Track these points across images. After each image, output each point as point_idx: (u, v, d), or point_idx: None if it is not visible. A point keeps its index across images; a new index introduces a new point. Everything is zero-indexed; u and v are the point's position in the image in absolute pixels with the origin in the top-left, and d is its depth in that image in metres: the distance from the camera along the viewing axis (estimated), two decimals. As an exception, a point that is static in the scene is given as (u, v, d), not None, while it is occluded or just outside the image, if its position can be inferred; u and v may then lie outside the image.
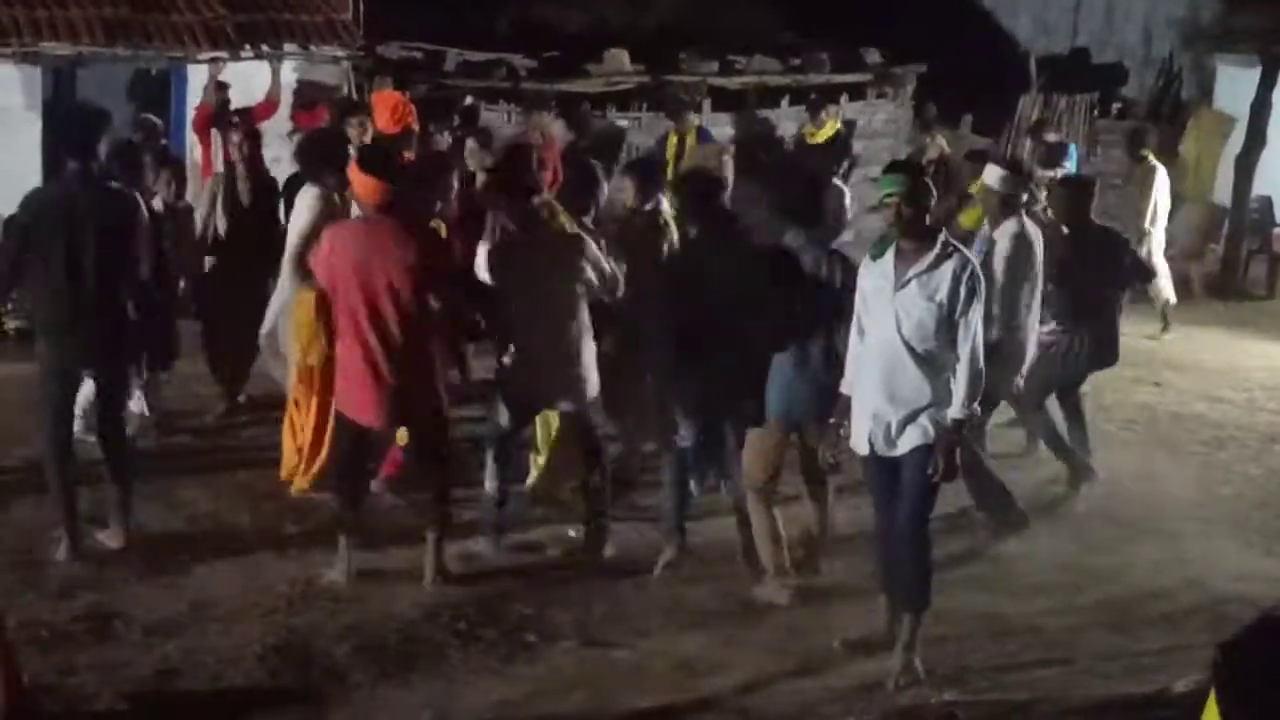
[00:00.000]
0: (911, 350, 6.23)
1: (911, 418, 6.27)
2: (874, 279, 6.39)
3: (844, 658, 6.60)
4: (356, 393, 7.05)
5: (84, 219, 7.07)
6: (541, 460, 8.27)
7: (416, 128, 11.37)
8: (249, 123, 10.92)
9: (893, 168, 6.70)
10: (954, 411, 6.23)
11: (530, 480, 8.31)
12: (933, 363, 6.23)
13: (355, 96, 13.20)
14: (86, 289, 7.12)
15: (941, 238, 6.31)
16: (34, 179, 12.52)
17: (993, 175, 8.42)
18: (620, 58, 15.80)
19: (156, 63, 13.42)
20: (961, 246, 6.45)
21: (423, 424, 7.29)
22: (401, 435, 7.71)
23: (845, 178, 15.27)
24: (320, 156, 8.44)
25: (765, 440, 7.12)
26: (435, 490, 7.34)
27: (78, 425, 7.74)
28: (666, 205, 8.58)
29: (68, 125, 7.50)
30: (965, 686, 6.38)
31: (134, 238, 7.33)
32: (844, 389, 6.58)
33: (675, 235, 8.39)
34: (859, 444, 6.47)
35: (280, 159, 11.61)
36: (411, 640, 6.65)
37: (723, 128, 15.40)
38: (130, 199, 7.43)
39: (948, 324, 6.19)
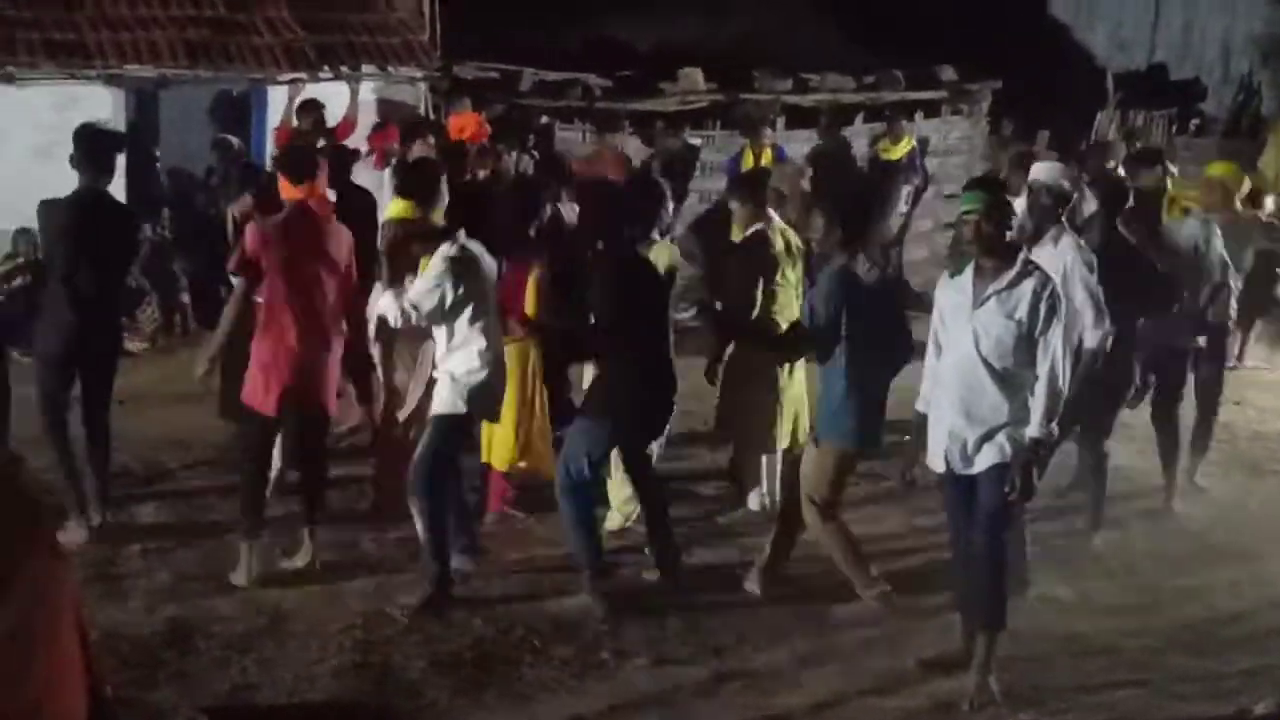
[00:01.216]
0: (990, 368, 6.20)
1: (989, 436, 6.24)
2: (952, 296, 6.36)
3: (919, 677, 6.56)
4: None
5: (93, 231, 7.59)
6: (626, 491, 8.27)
7: (490, 147, 11.47)
8: (338, 142, 11.06)
9: (973, 185, 6.66)
10: (1032, 430, 6.20)
11: (615, 523, 8.28)
12: (1011, 381, 6.20)
13: (432, 116, 13.31)
14: (88, 292, 7.61)
15: (1022, 255, 6.29)
16: (118, 198, 12.77)
17: (1043, 170, 8.01)
18: (694, 76, 15.83)
19: (237, 84, 13.62)
20: (1041, 265, 6.41)
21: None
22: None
23: (918, 195, 15.35)
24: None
25: (829, 459, 7.12)
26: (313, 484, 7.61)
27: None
28: (779, 220, 8.55)
29: (84, 144, 7.75)
30: (1042, 707, 6.34)
31: (134, 251, 8.00)
32: (920, 406, 6.56)
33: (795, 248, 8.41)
34: (935, 462, 6.44)
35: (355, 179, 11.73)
36: (486, 657, 6.68)
37: (798, 145, 15.39)
38: (133, 216, 8.20)
39: (1027, 342, 6.17)
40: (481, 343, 7.09)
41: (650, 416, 7.46)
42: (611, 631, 6.95)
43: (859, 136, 16.05)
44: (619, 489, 8.19)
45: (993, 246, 6.20)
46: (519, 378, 7.96)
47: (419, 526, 7.17)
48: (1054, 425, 6.28)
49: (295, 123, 12.20)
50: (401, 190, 7.38)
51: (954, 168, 16.79)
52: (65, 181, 7.77)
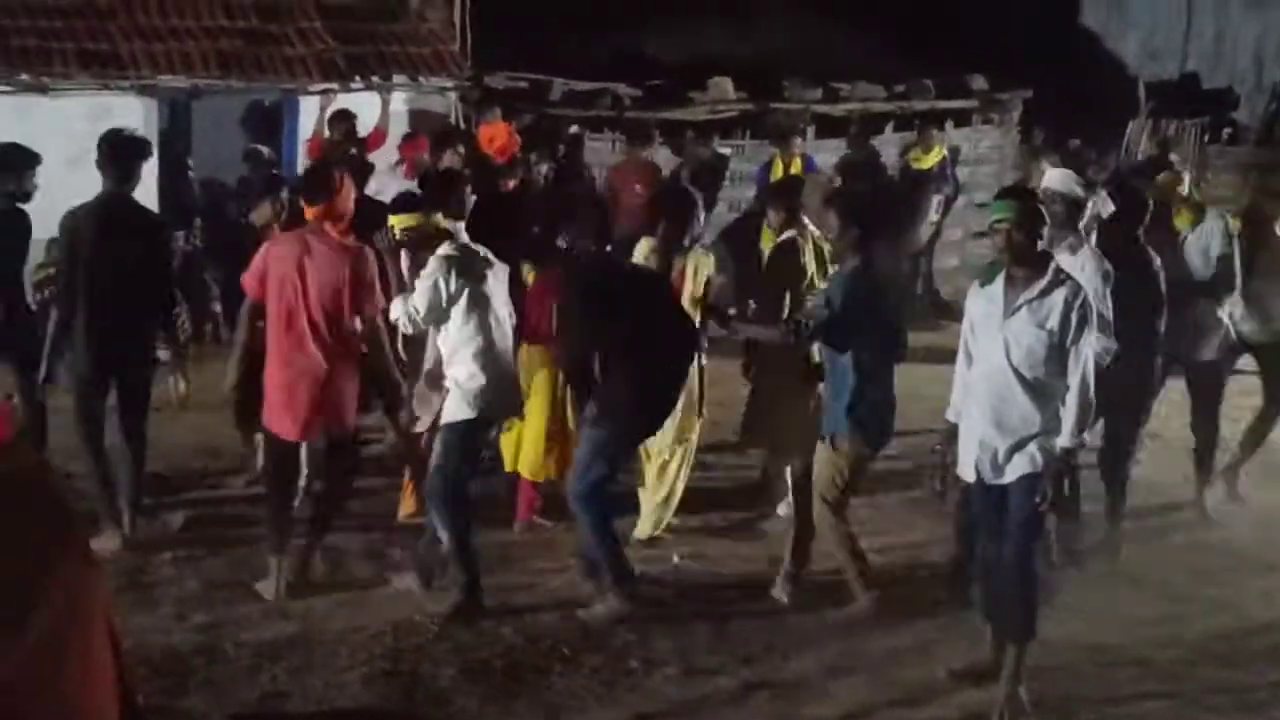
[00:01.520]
0: (1021, 378, 6.19)
1: (1019, 446, 6.22)
2: (983, 305, 6.35)
3: (949, 687, 6.55)
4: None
5: (115, 238, 7.62)
6: (657, 499, 8.30)
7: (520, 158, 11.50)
8: (362, 155, 11.10)
9: (1004, 193, 6.65)
10: (1063, 440, 6.18)
11: (644, 532, 8.30)
12: (1042, 391, 6.19)
13: (462, 126, 13.36)
14: (115, 302, 7.64)
15: (1053, 264, 6.28)
16: (150, 207, 12.85)
17: (1055, 178, 7.97)
18: (724, 85, 15.85)
19: (269, 94, 13.69)
20: (1071, 275, 6.40)
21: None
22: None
23: (949, 204, 15.32)
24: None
25: (841, 460, 7.13)
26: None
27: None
28: (813, 228, 8.53)
29: (109, 150, 7.81)
30: (1072, 718, 6.32)
31: (159, 258, 7.94)
32: (950, 416, 6.55)
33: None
34: (965, 471, 6.43)
35: (383, 191, 11.77)
36: (515, 666, 6.69)
37: (827, 155, 15.38)
38: (158, 221, 8.24)
39: (1058, 352, 6.15)
40: (480, 344, 7.10)
41: (656, 420, 7.48)
42: (640, 639, 6.95)
43: (889, 145, 16.04)
44: (650, 496, 8.21)
45: (1023, 255, 6.19)
46: (547, 385, 7.98)
47: (442, 536, 7.19)
48: (1085, 435, 6.27)
49: (327, 133, 12.25)
50: (417, 201, 7.42)
51: (985, 176, 16.77)
52: (98, 191, 7.82)
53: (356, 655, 6.71)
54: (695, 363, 7.81)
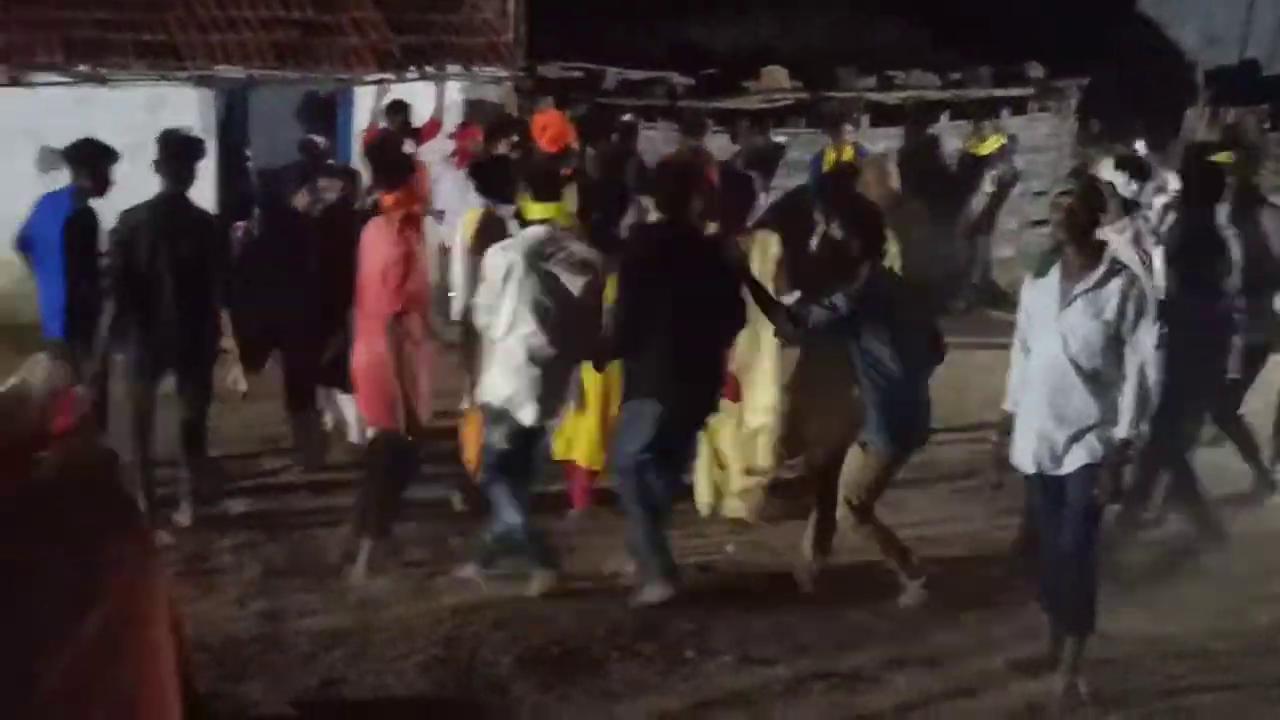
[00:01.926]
0: (1079, 369, 6.15)
1: (1078, 436, 6.19)
2: (1038, 297, 6.31)
3: (1006, 677, 6.51)
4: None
5: (172, 238, 7.73)
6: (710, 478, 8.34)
7: (576, 147, 11.49)
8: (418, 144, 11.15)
9: (1071, 174, 6.63)
10: (1122, 431, 6.14)
11: (707, 499, 8.37)
12: (1100, 381, 6.15)
13: (516, 116, 13.37)
14: (173, 300, 7.76)
15: (1108, 253, 6.23)
16: (208, 197, 12.95)
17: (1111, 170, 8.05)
18: (778, 74, 15.81)
19: (325, 85, 13.76)
20: (1128, 264, 6.35)
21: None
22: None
23: (1006, 191, 15.23)
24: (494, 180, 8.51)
25: (873, 463, 7.09)
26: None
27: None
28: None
29: (166, 150, 7.92)
30: (1131, 709, 6.28)
31: (218, 255, 8.02)
32: (1008, 406, 6.51)
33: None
34: (1024, 463, 6.39)
35: (438, 181, 11.81)
36: (572, 654, 6.71)
37: (880, 143, 15.31)
38: (212, 221, 8.35)
39: (1115, 342, 6.11)
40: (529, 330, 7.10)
41: (697, 402, 7.38)
42: (697, 628, 6.95)
43: (945, 134, 15.96)
44: (704, 475, 8.26)
45: (1081, 235, 6.14)
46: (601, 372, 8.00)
47: (502, 517, 7.22)
48: (1144, 426, 6.22)
49: (382, 124, 12.31)
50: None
51: (1042, 165, 16.67)
52: (155, 183, 7.88)
53: (414, 642, 6.74)
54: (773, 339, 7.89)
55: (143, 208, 7.84)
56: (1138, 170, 8.58)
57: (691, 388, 7.23)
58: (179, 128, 8.29)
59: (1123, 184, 8.19)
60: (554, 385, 7.24)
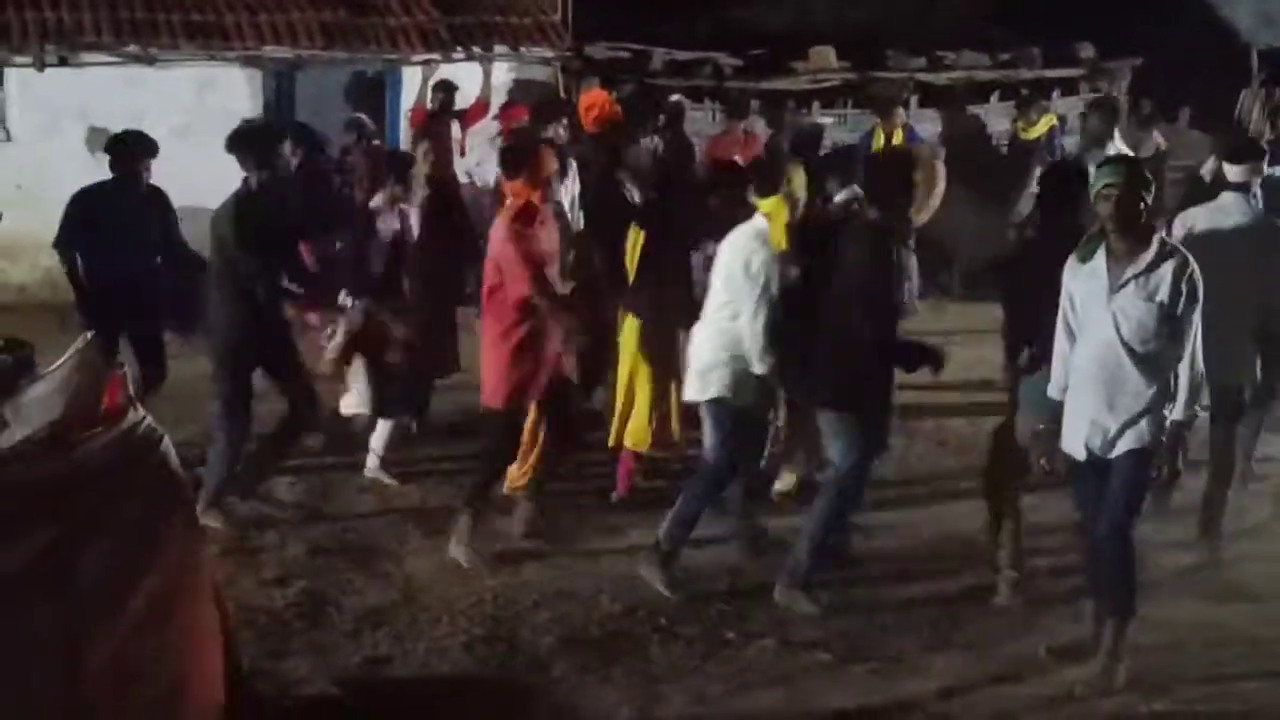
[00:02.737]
0: (1132, 352, 6.10)
1: (1132, 421, 6.14)
2: (1085, 281, 6.24)
3: (1048, 664, 6.48)
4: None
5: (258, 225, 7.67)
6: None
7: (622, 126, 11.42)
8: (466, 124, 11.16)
9: (1111, 160, 6.56)
10: (1177, 414, 6.11)
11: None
12: (1153, 363, 6.10)
13: (564, 96, 13.35)
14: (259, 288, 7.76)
15: (1158, 236, 6.18)
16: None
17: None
18: (826, 55, 15.70)
19: (372, 65, 13.79)
20: (1179, 246, 6.27)
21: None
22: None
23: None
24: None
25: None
26: None
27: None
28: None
29: (243, 141, 7.92)
30: (1176, 696, 6.23)
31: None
32: (1054, 393, 6.45)
33: None
34: (1075, 448, 6.33)
35: (484, 162, 11.82)
36: (613, 635, 6.73)
37: (928, 124, 15.22)
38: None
39: (1169, 324, 6.06)
40: None
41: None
42: (737, 611, 6.96)
43: (995, 115, 15.83)
44: None
45: (1130, 224, 6.08)
46: (650, 355, 8.00)
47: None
48: (1197, 408, 6.20)
49: (429, 104, 12.34)
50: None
51: (1092, 146, 16.49)
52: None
53: (457, 622, 6.78)
54: None
55: (229, 201, 7.80)
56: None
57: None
58: (252, 119, 8.35)
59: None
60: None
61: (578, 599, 7.07)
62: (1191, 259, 6.14)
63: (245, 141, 7.92)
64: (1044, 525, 7.59)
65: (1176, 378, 6.10)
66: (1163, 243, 6.16)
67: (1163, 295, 6.04)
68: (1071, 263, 6.31)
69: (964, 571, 7.38)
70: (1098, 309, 6.17)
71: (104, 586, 4.50)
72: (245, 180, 7.78)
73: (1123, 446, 6.18)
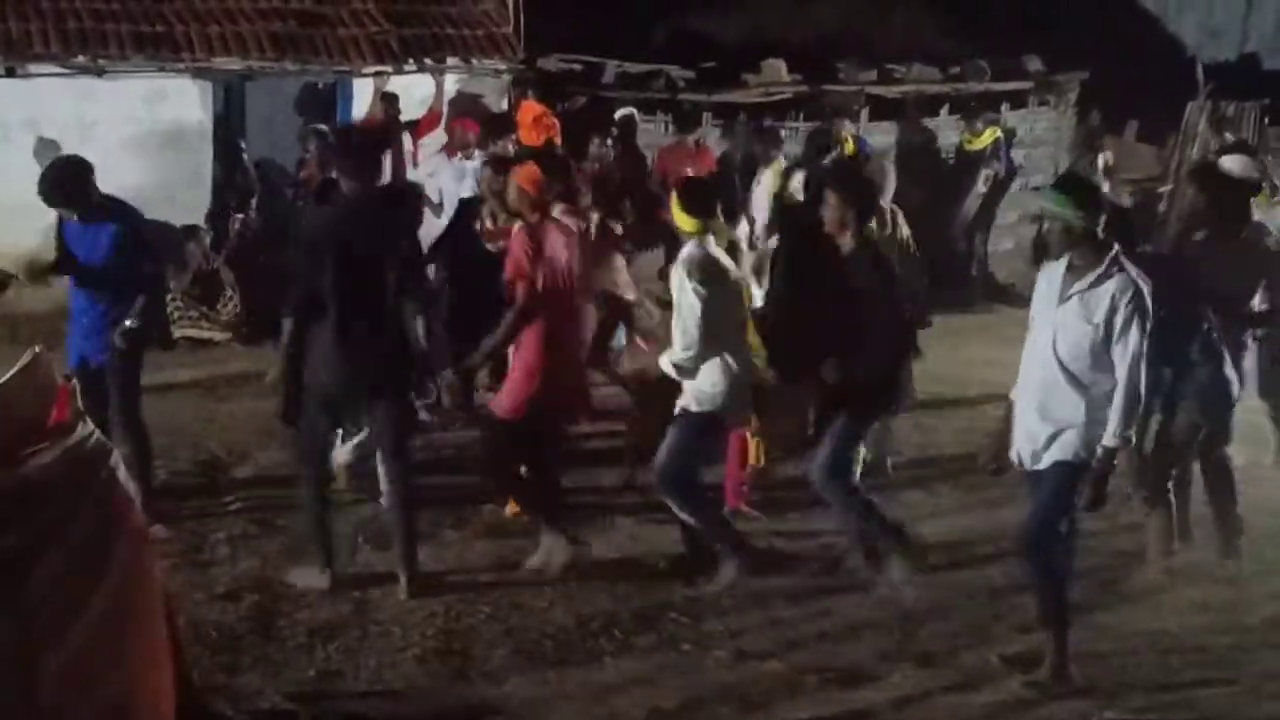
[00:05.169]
0: (1064, 369, 6.09)
1: (1058, 433, 6.13)
2: (1045, 284, 6.25)
3: (1001, 672, 6.50)
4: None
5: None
6: None
7: (559, 140, 11.39)
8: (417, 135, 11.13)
9: (1062, 184, 6.57)
10: (1106, 439, 6.04)
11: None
12: (1084, 384, 6.07)
13: (510, 109, 13.29)
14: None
15: (1110, 255, 6.08)
16: (205, 190, 12.95)
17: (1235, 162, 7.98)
18: (778, 67, 15.75)
19: (323, 76, 13.74)
20: (1130, 266, 6.11)
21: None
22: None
23: (1004, 185, 15.27)
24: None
25: None
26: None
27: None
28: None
29: (347, 147, 7.57)
30: (1126, 703, 6.26)
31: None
32: (1013, 394, 6.45)
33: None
34: (1016, 455, 6.37)
35: (436, 173, 11.79)
36: (567, 647, 6.71)
37: (880, 136, 15.31)
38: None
39: (1104, 347, 6.01)
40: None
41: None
42: (692, 622, 6.95)
43: (946, 128, 15.95)
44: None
45: (1083, 245, 6.07)
46: None
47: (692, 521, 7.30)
48: (1130, 433, 6.17)
49: (379, 115, 12.31)
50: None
51: (1041, 159, 16.67)
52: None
53: (409, 636, 6.74)
54: None
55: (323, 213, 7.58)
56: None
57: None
58: (351, 124, 8.12)
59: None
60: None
61: (531, 611, 7.04)
62: (1142, 283, 6.03)
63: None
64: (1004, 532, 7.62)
65: (1111, 401, 6.03)
66: (1112, 261, 6.06)
67: (1099, 317, 5.98)
68: (1046, 263, 6.33)
69: (918, 580, 7.39)
70: (1045, 316, 6.18)
71: (56, 599, 4.45)
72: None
73: (1049, 459, 6.18)
